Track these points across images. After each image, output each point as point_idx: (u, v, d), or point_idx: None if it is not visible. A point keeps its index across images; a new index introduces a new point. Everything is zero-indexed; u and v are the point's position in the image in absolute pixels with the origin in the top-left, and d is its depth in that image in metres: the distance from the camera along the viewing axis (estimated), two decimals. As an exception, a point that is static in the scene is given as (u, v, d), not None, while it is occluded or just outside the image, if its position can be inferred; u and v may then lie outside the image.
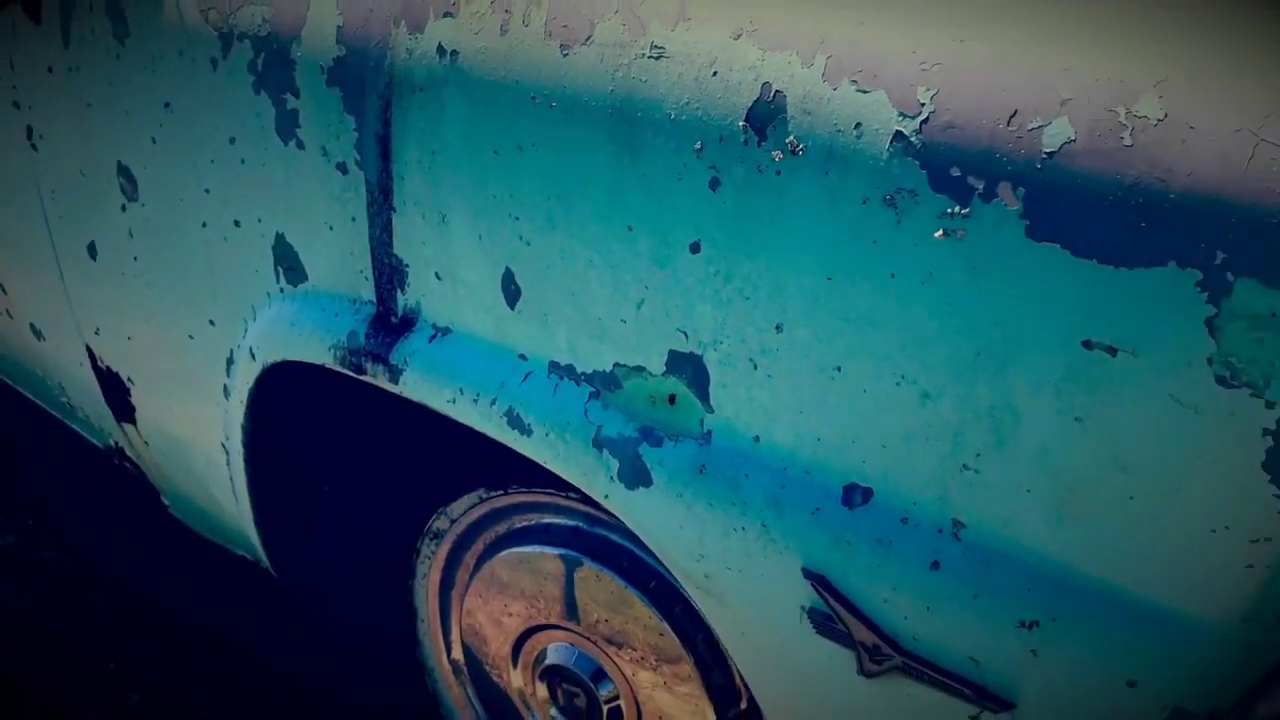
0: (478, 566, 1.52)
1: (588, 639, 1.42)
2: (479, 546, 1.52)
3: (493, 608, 1.52)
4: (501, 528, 1.48)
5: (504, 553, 1.48)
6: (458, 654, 1.60)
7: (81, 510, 2.46)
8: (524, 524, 1.45)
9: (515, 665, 1.50)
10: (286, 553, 1.72)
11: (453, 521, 1.52)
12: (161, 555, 2.23)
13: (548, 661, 1.47)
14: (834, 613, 0.96)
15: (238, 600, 2.11)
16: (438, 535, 1.54)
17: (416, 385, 1.25)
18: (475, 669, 1.59)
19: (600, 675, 1.43)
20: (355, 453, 1.55)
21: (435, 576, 1.57)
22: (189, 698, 1.97)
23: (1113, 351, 0.79)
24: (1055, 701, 0.89)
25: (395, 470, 1.52)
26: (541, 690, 1.49)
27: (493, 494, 1.45)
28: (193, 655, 2.06)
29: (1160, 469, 0.80)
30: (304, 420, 1.55)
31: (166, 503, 1.99)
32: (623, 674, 1.39)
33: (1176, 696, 0.85)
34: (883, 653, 0.95)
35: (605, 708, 1.44)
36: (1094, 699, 0.87)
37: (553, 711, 1.49)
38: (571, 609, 1.38)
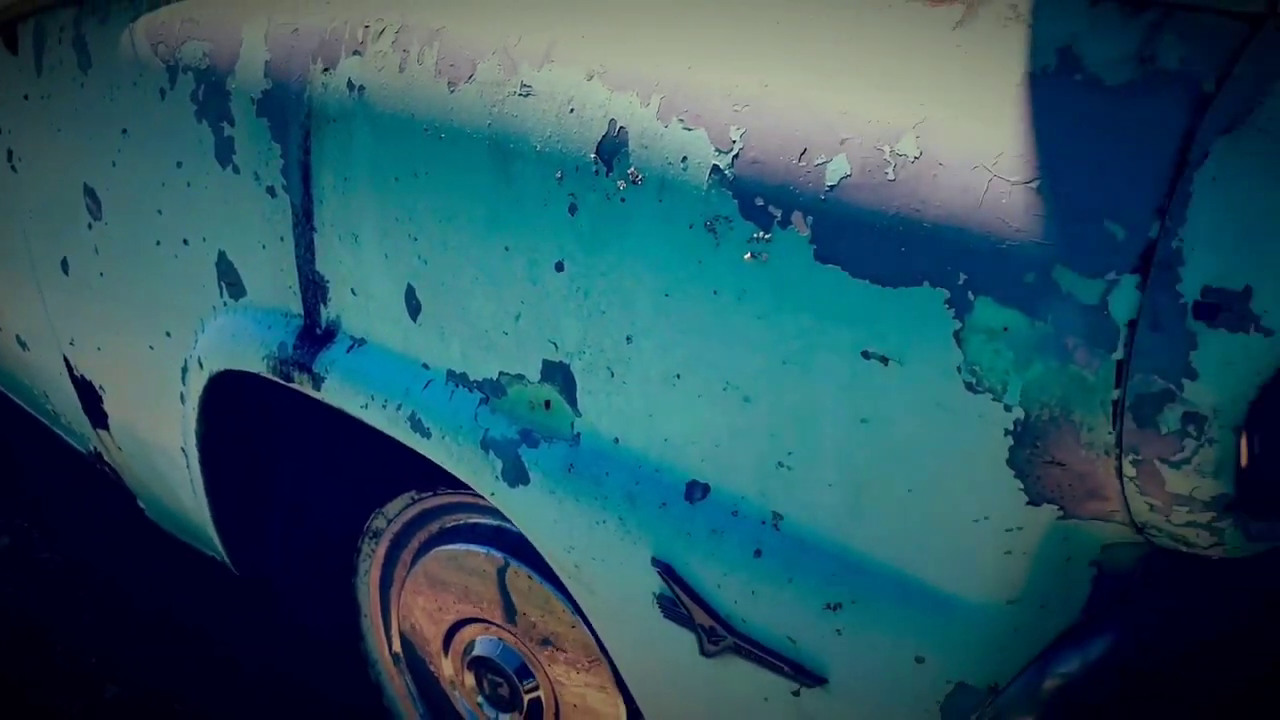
0: (413, 564, 1.67)
1: (510, 633, 1.56)
2: (414, 545, 1.67)
3: (426, 603, 1.67)
4: (434, 527, 1.63)
5: (434, 550, 1.63)
6: (397, 647, 1.76)
7: (74, 513, 2.64)
8: (453, 524, 1.60)
9: (446, 656, 1.65)
10: (244, 553, 1.88)
11: (389, 521, 1.67)
12: (148, 556, 2.41)
13: (474, 653, 1.62)
14: (677, 598, 1.11)
15: (216, 599, 2.28)
16: (376, 534, 1.70)
17: (335, 392, 1.41)
18: (412, 660, 1.74)
19: (522, 667, 1.58)
20: (299, 456, 1.70)
21: (375, 574, 1.73)
22: (163, 691, 2.13)
23: (885, 361, 0.93)
24: (859, 676, 1.03)
25: (336, 473, 1.68)
26: (469, 679, 1.64)
27: (423, 495, 1.60)
28: (170, 651, 2.23)
29: (930, 465, 0.94)
30: (253, 426, 1.71)
31: (142, 505, 2.16)
32: (542, 666, 1.54)
33: (958, 672, 0.98)
34: (718, 634, 1.10)
35: (526, 698, 1.58)
36: (890, 674, 1.01)
37: (479, 699, 1.63)
38: (495, 604, 1.53)
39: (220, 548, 1.90)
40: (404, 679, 1.77)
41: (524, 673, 1.57)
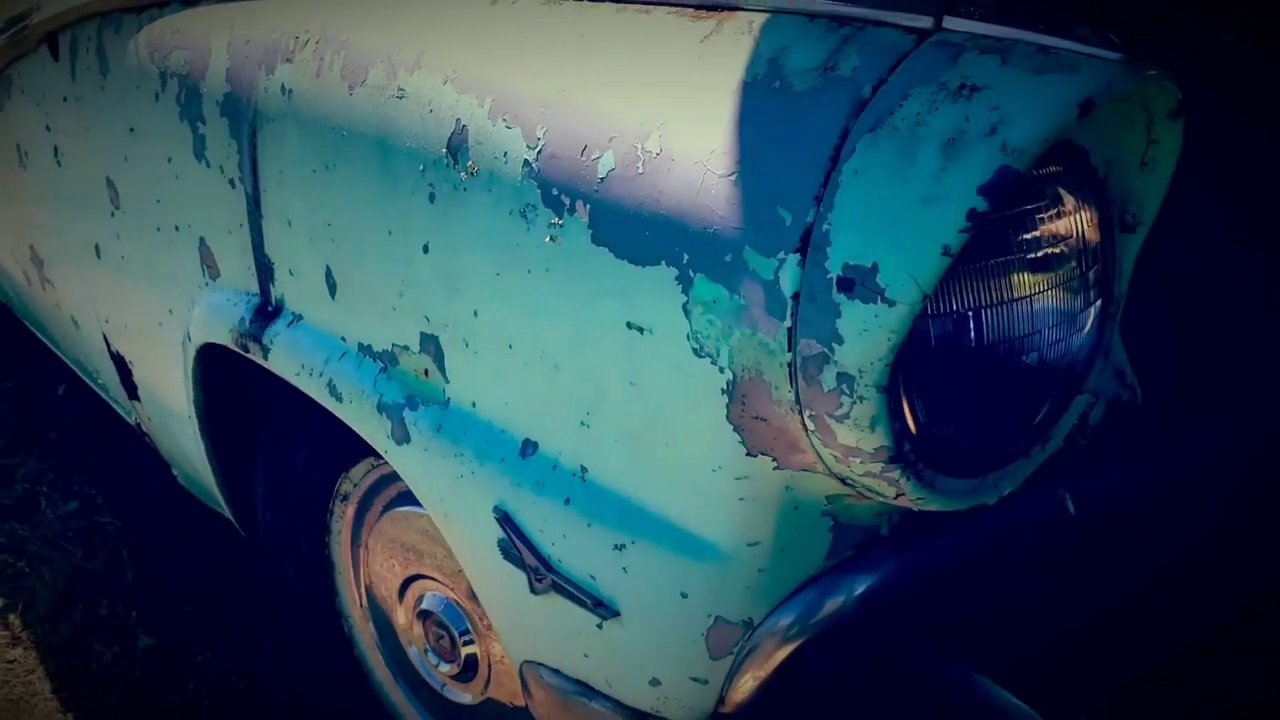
0: (375, 524, 1.91)
1: (451, 589, 1.79)
2: (377, 507, 1.91)
3: (385, 560, 1.91)
4: (391, 491, 1.87)
5: (391, 512, 1.86)
6: (365, 601, 2.00)
7: (137, 483, 2.97)
8: (405, 488, 1.83)
9: (401, 607, 1.89)
10: (249, 516, 2.16)
11: (355, 485, 1.91)
12: (181, 522, 2.71)
13: (422, 606, 1.85)
14: (511, 542, 1.32)
15: (235, 560, 2.57)
16: (345, 497, 1.94)
17: (277, 361, 1.66)
18: (376, 613, 1.98)
19: (460, 621, 1.80)
20: (277, 423, 1.96)
21: (346, 534, 1.97)
22: (187, 642, 2.43)
23: (641, 331, 1.13)
24: (643, 609, 1.22)
25: (308, 439, 1.93)
26: (418, 630, 1.87)
27: (380, 461, 1.84)
28: (197, 608, 2.53)
29: (681, 421, 1.13)
30: (240, 394, 1.97)
31: (175, 474, 2.46)
32: (476, 622, 1.76)
33: (716, 607, 1.17)
34: (541, 573, 1.30)
35: (463, 652, 1.81)
36: (664, 607, 1.20)
37: (426, 648, 1.87)
38: (437, 562, 1.76)
39: (228, 511, 2.18)
40: (370, 630, 2.01)
41: (463, 628, 1.79)
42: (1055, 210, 1.02)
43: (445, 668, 1.83)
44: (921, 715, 1.16)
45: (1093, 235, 1.05)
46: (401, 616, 1.89)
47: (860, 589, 1.15)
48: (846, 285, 0.94)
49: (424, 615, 1.83)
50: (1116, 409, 1.22)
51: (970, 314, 0.99)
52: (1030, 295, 1.01)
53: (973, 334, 1.00)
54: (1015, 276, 1.01)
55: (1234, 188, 1.42)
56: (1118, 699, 1.29)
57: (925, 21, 0.99)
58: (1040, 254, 1.02)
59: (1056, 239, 1.03)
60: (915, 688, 1.19)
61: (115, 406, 2.65)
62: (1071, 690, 1.27)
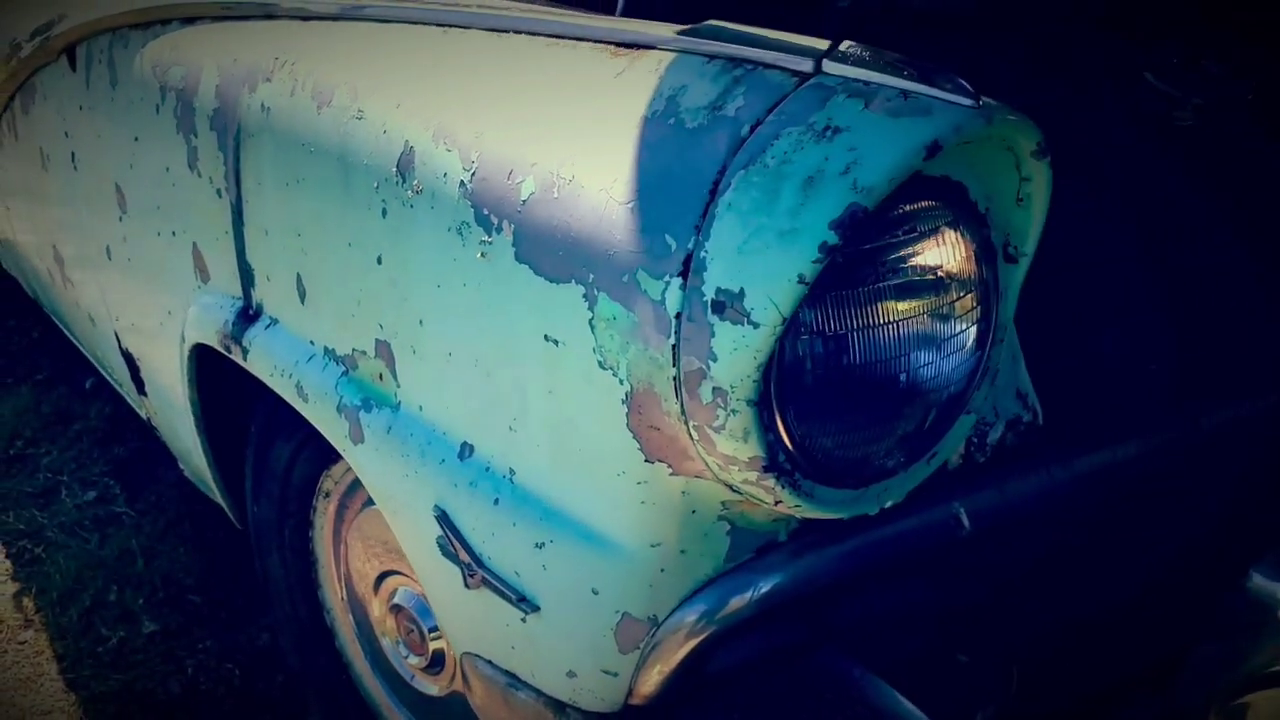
0: (354, 520, 2.03)
1: (419, 584, 1.90)
2: (356, 504, 2.03)
3: (362, 554, 2.03)
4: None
5: (368, 509, 1.98)
6: (345, 594, 2.12)
7: (152, 475, 3.12)
8: (380, 487, 1.94)
9: (376, 599, 2.01)
10: (241, 508, 2.29)
11: (336, 483, 2.03)
12: (206, 516, 2.86)
13: (394, 600, 1.97)
14: (448, 539, 1.43)
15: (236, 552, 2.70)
16: (327, 494, 2.06)
17: (255, 362, 1.78)
18: (354, 605, 2.11)
19: (429, 616, 1.91)
20: (263, 421, 2.09)
21: (328, 529, 2.10)
22: (186, 629, 2.57)
23: (557, 343, 1.23)
24: (560, 605, 1.32)
25: (293, 437, 2.05)
26: (391, 622, 1.99)
27: (357, 460, 1.95)
28: (206, 597, 2.68)
29: (591, 428, 1.23)
30: (232, 392, 2.10)
31: (182, 468, 2.60)
32: (442, 615, 1.87)
33: (623, 604, 1.27)
34: (473, 570, 1.41)
35: (430, 646, 1.92)
36: (578, 603, 1.30)
37: (397, 640, 1.98)
38: (405, 558, 1.86)
39: (224, 504, 2.31)
40: (350, 623, 2.13)
41: (431, 623, 1.90)
42: (932, 241, 1.11)
43: (415, 660, 1.94)
44: (818, 713, 1.26)
45: (971, 265, 1.14)
46: (376, 609, 2.00)
47: (758, 591, 1.24)
48: (719, 308, 1.03)
49: (396, 609, 1.94)
50: (1016, 428, 1.31)
51: (842, 335, 1.08)
52: (903, 319, 1.10)
53: (844, 354, 1.09)
54: (888, 302, 1.10)
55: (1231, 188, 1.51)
56: (1016, 705, 1.38)
57: (807, 65, 1.09)
58: (915, 281, 1.11)
59: (933, 268, 1.12)
60: (813, 687, 1.28)
61: (130, 401, 2.79)
62: (970, 696, 1.36)
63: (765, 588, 1.24)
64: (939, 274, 1.11)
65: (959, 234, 1.11)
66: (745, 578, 1.24)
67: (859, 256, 1.08)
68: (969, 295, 1.12)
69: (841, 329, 1.08)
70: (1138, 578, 1.41)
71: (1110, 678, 1.43)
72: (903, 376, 1.12)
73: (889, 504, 1.19)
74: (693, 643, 1.24)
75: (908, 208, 1.09)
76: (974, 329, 1.15)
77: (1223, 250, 1.44)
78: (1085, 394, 1.34)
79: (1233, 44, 1.50)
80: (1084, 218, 1.41)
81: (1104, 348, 1.35)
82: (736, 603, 1.24)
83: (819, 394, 1.09)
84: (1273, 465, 1.43)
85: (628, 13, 1.66)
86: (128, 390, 2.69)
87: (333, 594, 2.14)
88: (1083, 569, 1.38)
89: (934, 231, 1.10)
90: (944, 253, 1.11)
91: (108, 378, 2.92)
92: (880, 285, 1.08)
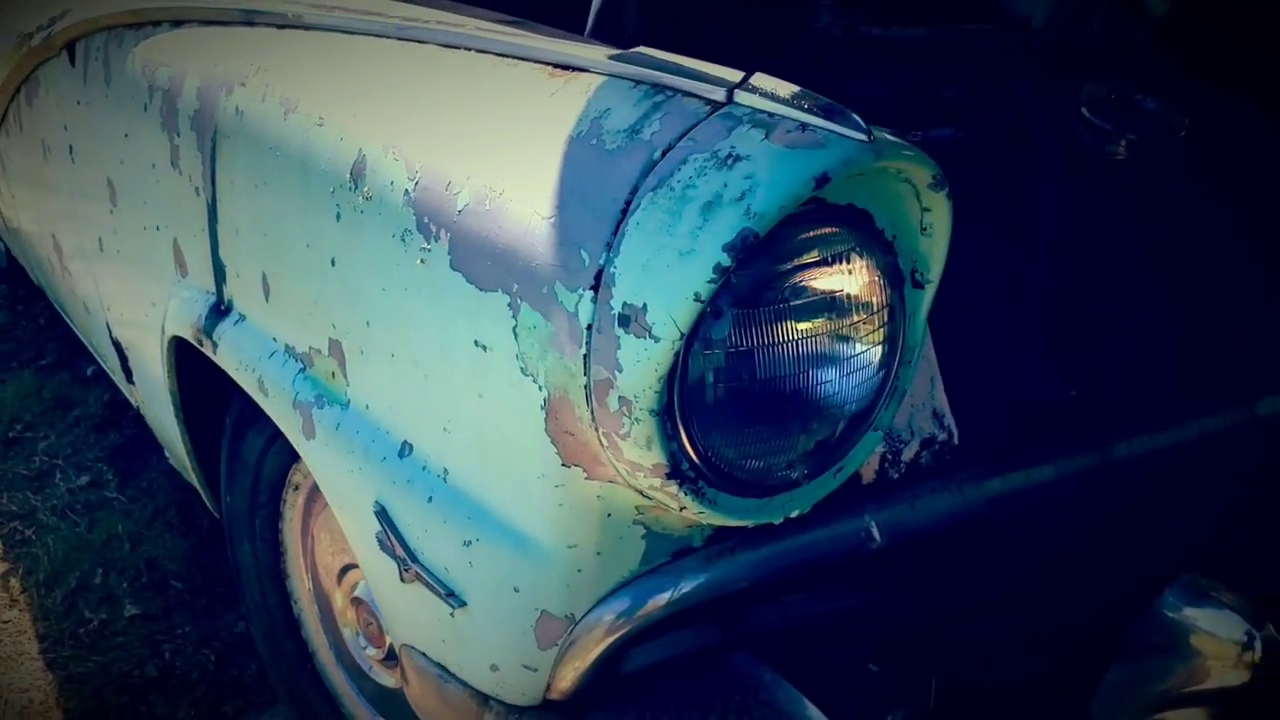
0: (321, 513, 2.10)
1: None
2: (323, 498, 2.11)
3: (327, 547, 2.10)
4: (335, 484, 2.05)
5: (333, 503, 2.05)
6: (311, 585, 2.19)
7: (144, 462, 3.21)
8: (345, 481, 2.01)
9: (339, 591, 2.08)
10: (218, 496, 2.36)
11: (305, 476, 2.10)
12: (195, 504, 2.93)
13: (355, 593, 2.04)
14: (386, 535, 1.50)
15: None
16: (296, 486, 2.14)
17: (223, 357, 1.85)
18: (319, 595, 2.18)
19: (387, 609, 1.98)
20: (236, 413, 2.16)
21: (297, 521, 2.17)
22: (168, 615, 2.65)
23: (485, 349, 1.30)
24: (485, 601, 1.39)
25: (264, 430, 2.12)
26: (352, 614, 2.06)
27: (325, 455, 2.02)
28: (185, 584, 2.75)
29: (514, 432, 1.29)
30: (208, 385, 2.17)
31: (167, 455, 2.68)
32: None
33: (542, 602, 1.33)
34: (407, 565, 1.48)
35: (387, 638, 1.99)
36: (501, 600, 1.37)
37: (357, 631, 2.05)
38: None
39: (204, 494, 2.38)
40: (315, 613, 2.21)
41: (389, 614, 1.96)
42: (839, 266, 1.17)
43: (373, 652, 2.01)
44: (724, 715, 1.32)
45: (877, 290, 1.19)
46: (339, 601, 2.07)
47: (672, 594, 1.30)
48: (624, 321, 1.10)
49: (356, 602, 2.01)
50: (931, 447, 1.37)
51: (746, 352, 1.14)
52: (807, 339, 1.16)
53: (748, 369, 1.15)
54: (793, 321, 1.16)
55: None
56: (933, 715, 1.43)
57: (720, 94, 1.15)
58: (821, 303, 1.17)
59: (839, 291, 1.18)
60: (722, 689, 1.34)
61: (122, 389, 2.87)
62: (879, 704, 1.41)
63: (679, 591, 1.29)
64: (845, 297, 1.17)
65: (865, 260, 1.17)
66: (660, 580, 1.29)
67: (765, 278, 1.14)
68: (875, 318, 1.18)
69: (746, 346, 1.14)
70: (1053, 594, 1.46)
71: (1029, 692, 1.48)
72: (806, 393, 1.18)
73: (794, 514, 1.24)
74: (608, 641, 1.30)
75: (813, 233, 1.14)
76: (880, 350, 1.20)
77: (1147, 280, 1.49)
78: (1002, 417, 1.40)
79: (1168, 80, 1.55)
80: (1015, 246, 1.46)
81: (1023, 372, 1.40)
82: (651, 605, 1.30)
83: (722, 407, 1.15)
84: (1186, 491, 1.48)
85: (595, 34, 1.73)
86: (119, 378, 2.78)
87: (300, 585, 2.21)
88: (999, 584, 1.44)
89: (841, 257, 1.16)
90: (850, 277, 1.17)
91: (103, 366, 3.00)
92: (785, 305, 1.14)
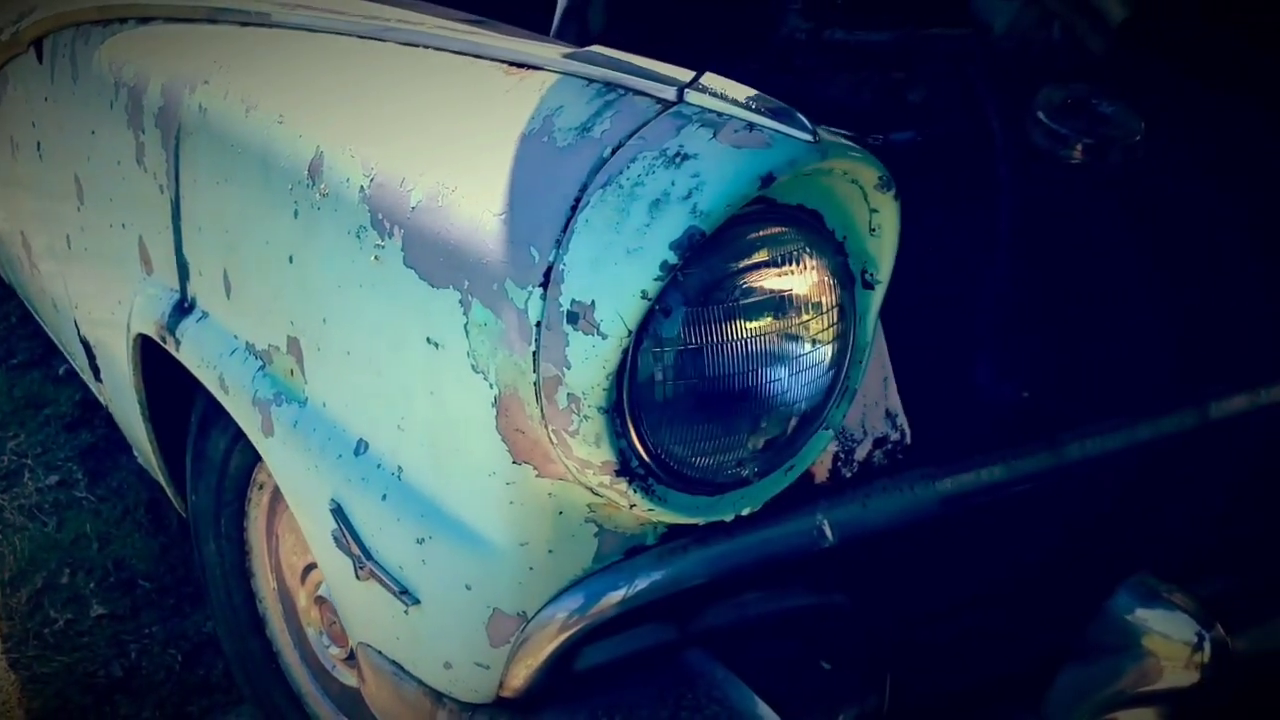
0: (285, 512, 2.10)
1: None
2: (286, 497, 2.10)
3: (292, 546, 2.10)
4: (299, 483, 2.05)
5: (297, 503, 2.05)
6: (276, 584, 2.19)
7: (114, 461, 3.20)
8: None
9: (302, 589, 2.08)
10: (185, 496, 2.36)
11: (270, 474, 2.10)
12: (165, 504, 2.93)
13: (319, 592, 2.04)
14: (341, 532, 1.50)
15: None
16: (261, 485, 2.13)
17: (185, 354, 1.85)
18: (283, 594, 2.18)
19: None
20: (201, 411, 2.16)
21: (262, 520, 2.17)
22: (133, 614, 2.64)
23: (437, 346, 1.30)
24: (438, 598, 1.39)
25: (229, 429, 2.12)
26: (315, 613, 2.06)
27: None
28: (153, 584, 2.75)
29: (466, 429, 1.30)
30: (174, 383, 2.17)
31: (136, 454, 2.67)
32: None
33: (494, 600, 1.33)
34: (362, 562, 1.48)
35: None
36: (454, 598, 1.37)
37: (320, 630, 2.05)
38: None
39: (170, 492, 2.38)
40: (280, 612, 2.21)
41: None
42: (789, 265, 1.18)
43: (336, 651, 2.01)
44: (676, 712, 1.32)
45: (827, 290, 1.20)
46: (303, 600, 2.07)
47: (624, 592, 1.31)
48: (573, 318, 1.10)
49: (320, 600, 2.01)
50: (884, 446, 1.37)
51: (695, 350, 1.15)
52: (757, 338, 1.17)
53: (698, 368, 1.16)
54: (743, 320, 1.16)
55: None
56: (887, 713, 1.44)
57: (671, 94, 1.16)
58: (770, 302, 1.17)
59: (789, 291, 1.18)
60: (675, 687, 1.35)
61: (91, 387, 2.87)
62: (832, 702, 1.42)
63: (631, 589, 1.30)
64: (795, 297, 1.18)
65: (816, 260, 1.18)
66: (612, 578, 1.30)
67: (715, 276, 1.14)
68: (824, 318, 1.19)
69: (695, 344, 1.15)
70: (1006, 593, 1.47)
71: (983, 692, 1.49)
72: (757, 392, 1.18)
73: (745, 512, 1.25)
74: (560, 639, 1.31)
75: (763, 232, 1.15)
76: (830, 350, 1.21)
77: (1100, 283, 1.50)
78: (955, 417, 1.41)
79: (1125, 85, 1.56)
80: (971, 248, 1.47)
81: (977, 373, 1.41)
82: (603, 603, 1.30)
83: (672, 404, 1.16)
84: (1137, 491, 1.49)
85: (560, 34, 1.74)
86: (88, 376, 2.77)
87: (265, 584, 2.21)
88: (952, 583, 1.45)
89: (791, 256, 1.17)
90: (801, 277, 1.17)
91: (72, 364, 3.00)
92: (735, 304, 1.15)
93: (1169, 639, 1.39)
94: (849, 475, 1.36)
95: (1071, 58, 1.71)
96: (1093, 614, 1.42)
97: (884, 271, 1.21)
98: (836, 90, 1.78)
